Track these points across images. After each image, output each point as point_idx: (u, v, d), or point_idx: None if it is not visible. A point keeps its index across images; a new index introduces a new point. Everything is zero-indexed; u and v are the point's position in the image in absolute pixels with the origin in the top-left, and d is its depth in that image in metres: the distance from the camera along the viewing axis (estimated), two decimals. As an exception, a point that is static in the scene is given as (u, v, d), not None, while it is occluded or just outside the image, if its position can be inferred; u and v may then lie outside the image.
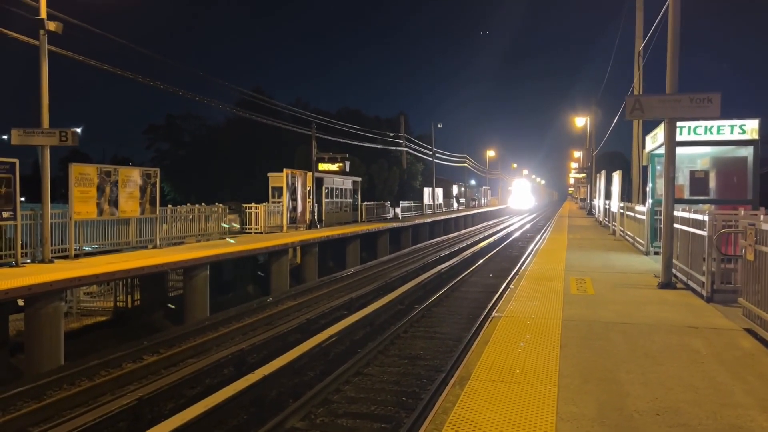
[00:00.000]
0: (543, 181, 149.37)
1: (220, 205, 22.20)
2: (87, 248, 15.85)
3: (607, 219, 27.84)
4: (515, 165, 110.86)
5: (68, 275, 11.46)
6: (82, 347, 12.54)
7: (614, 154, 60.60)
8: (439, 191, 54.78)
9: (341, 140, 36.86)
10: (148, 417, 8.00)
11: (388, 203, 42.41)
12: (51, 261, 13.80)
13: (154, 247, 17.69)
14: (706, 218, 8.87)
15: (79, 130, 14.36)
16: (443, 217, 45.91)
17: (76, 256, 14.77)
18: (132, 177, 16.91)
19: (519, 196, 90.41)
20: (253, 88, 49.39)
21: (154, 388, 8.69)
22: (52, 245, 14.17)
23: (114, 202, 16.11)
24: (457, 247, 30.01)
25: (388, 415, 8.04)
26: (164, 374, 9.87)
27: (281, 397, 8.75)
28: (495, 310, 8.33)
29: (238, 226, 23.64)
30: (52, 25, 13.79)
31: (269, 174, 28.23)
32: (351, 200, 35.00)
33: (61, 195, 23.25)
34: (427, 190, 50.78)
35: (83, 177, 15.15)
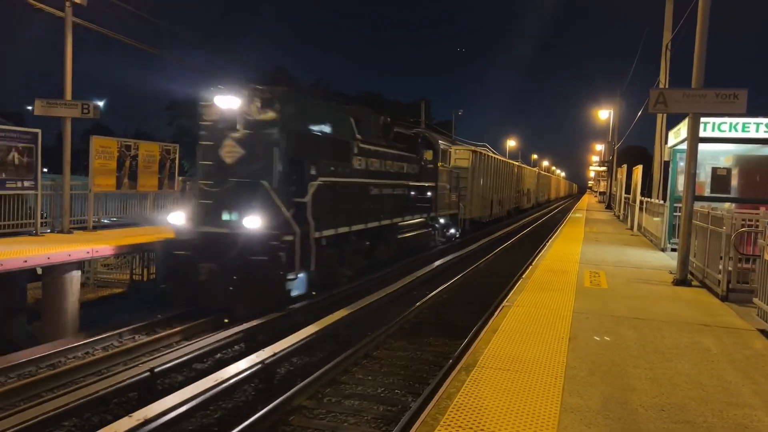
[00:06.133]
0: (563, 173, 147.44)
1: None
2: (105, 221, 16.05)
3: (625, 213, 27.58)
4: (536, 156, 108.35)
5: (87, 246, 11.63)
6: (97, 317, 12.73)
7: (636, 149, 59.99)
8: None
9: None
10: (158, 389, 8.11)
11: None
12: (70, 231, 14.00)
13: (172, 222, 17.82)
14: (726, 216, 8.76)
15: (101, 103, 14.49)
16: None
17: (94, 227, 14.97)
18: (152, 152, 17.05)
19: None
20: (277, 69, 49.49)
21: (165, 360, 8.81)
22: (71, 216, 14.38)
23: (133, 176, 16.27)
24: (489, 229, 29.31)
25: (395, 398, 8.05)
26: (176, 348, 10.00)
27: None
28: (506, 300, 8.32)
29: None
30: (77, -3, 13.87)
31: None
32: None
33: (84, 167, 23.60)
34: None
35: (104, 150, 15.31)
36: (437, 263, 16.95)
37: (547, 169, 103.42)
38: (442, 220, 20.37)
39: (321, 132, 11.93)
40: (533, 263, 12.48)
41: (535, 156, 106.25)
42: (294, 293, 10.46)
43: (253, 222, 9.85)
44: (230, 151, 10.59)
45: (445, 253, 19.06)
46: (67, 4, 13.84)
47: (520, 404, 4.40)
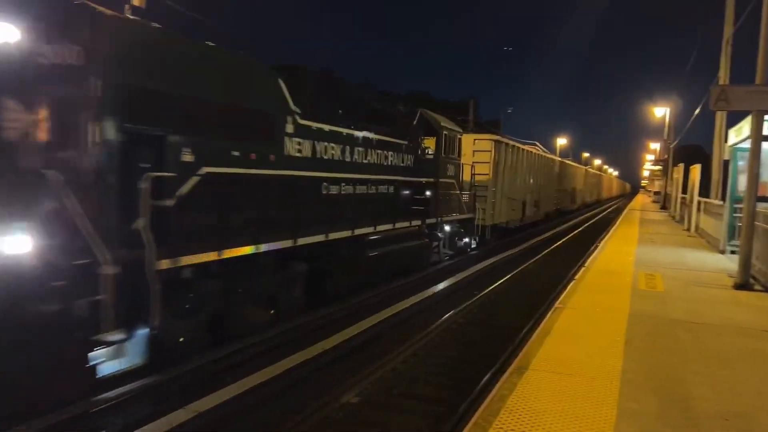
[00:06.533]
0: (615, 172, 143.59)
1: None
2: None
3: (681, 214, 26.76)
4: (587, 154, 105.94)
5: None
6: None
7: (692, 147, 58.13)
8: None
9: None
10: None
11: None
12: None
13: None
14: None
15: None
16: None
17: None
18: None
19: None
20: (323, 69, 49.87)
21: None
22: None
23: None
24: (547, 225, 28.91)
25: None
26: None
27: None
28: (558, 302, 8.18)
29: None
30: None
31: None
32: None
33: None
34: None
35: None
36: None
37: (599, 168, 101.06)
38: (447, 228, 15.59)
39: (208, 95, 7.19)
40: (586, 264, 12.24)
41: (586, 154, 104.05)
42: (114, 369, 6.13)
43: (21, 244, 5.55)
44: (11, 120, 5.99)
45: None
46: (127, 7, 14.29)
47: (576, 408, 4.32)
